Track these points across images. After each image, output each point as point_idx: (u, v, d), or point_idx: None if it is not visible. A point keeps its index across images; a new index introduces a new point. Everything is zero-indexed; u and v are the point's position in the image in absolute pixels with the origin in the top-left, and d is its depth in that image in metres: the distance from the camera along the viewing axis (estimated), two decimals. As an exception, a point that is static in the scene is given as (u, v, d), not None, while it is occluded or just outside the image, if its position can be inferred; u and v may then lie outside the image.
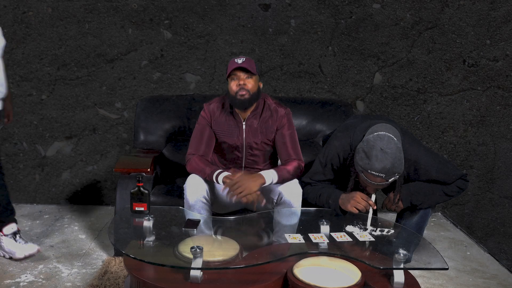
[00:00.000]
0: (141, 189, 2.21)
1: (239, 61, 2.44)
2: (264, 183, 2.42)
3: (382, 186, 2.27)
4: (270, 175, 2.45)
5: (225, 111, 2.58)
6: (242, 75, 2.44)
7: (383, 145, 2.17)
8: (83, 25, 3.44)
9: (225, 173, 2.43)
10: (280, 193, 2.45)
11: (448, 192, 2.46)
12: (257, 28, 3.51)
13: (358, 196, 2.31)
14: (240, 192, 2.33)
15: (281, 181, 2.48)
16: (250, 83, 2.46)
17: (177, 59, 3.53)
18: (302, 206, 2.47)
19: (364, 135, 2.33)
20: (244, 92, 2.44)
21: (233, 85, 2.46)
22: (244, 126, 2.56)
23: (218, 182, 2.44)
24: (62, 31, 3.46)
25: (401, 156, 2.20)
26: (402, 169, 2.22)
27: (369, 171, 2.17)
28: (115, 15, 3.41)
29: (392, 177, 2.20)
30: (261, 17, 3.50)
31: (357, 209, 2.29)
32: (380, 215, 2.52)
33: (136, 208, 2.22)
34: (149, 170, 2.75)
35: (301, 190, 2.46)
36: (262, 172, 2.46)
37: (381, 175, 2.16)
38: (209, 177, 2.45)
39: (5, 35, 3.44)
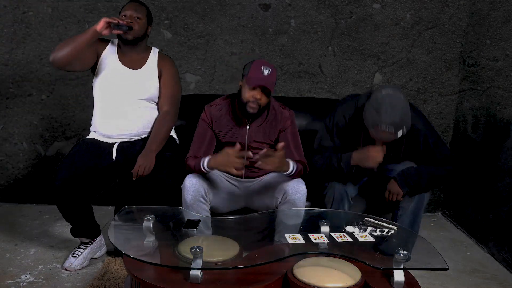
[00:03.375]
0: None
1: (265, 72, 2.39)
2: (289, 166, 2.46)
3: (390, 140, 2.37)
4: (292, 163, 2.48)
5: (228, 112, 2.58)
6: (261, 90, 2.42)
7: (391, 100, 2.29)
8: (83, 25, 3.44)
9: (209, 157, 2.44)
10: (285, 192, 2.45)
11: (438, 173, 2.55)
12: (257, 28, 3.51)
13: (372, 150, 2.42)
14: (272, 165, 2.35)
15: (296, 174, 2.49)
16: (264, 99, 2.45)
17: (177, 59, 3.52)
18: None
19: (368, 97, 2.44)
20: (255, 106, 2.43)
21: (248, 94, 2.42)
22: (248, 127, 2.56)
23: (206, 170, 2.44)
24: (62, 31, 3.46)
25: (409, 110, 2.33)
26: (410, 123, 2.35)
27: (379, 125, 2.28)
28: (115, 15, 3.40)
29: (400, 130, 2.31)
30: (261, 17, 3.50)
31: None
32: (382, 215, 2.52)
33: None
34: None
35: (306, 190, 2.47)
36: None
37: (391, 128, 2.28)
38: (198, 168, 2.45)
39: (5, 35, 3.46)
